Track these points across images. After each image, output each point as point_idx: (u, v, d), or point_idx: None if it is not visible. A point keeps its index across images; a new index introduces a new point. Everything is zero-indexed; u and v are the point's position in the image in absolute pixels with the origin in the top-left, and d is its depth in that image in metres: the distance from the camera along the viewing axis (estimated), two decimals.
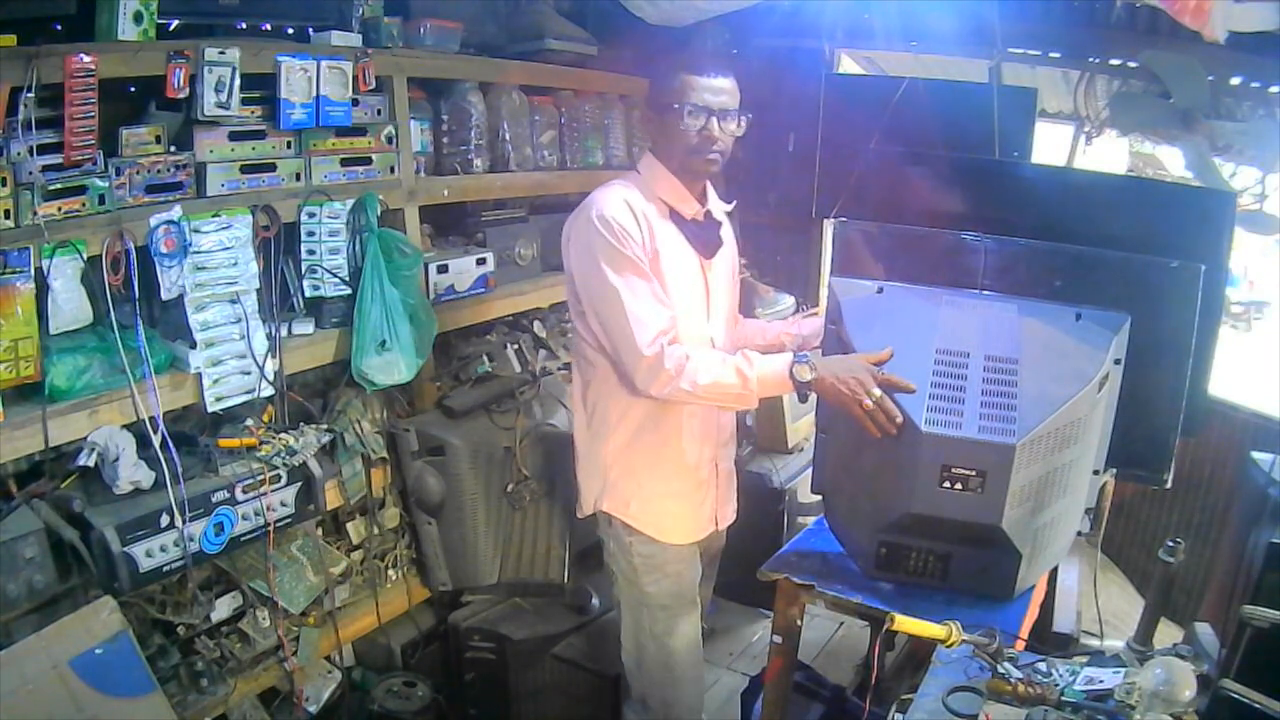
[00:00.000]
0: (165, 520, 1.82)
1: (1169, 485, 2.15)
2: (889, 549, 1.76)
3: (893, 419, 1.63)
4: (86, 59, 1.73)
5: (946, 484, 1.61)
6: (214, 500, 1.91)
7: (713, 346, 1.96)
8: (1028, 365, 1.71)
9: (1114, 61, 2.93)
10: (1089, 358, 1.76)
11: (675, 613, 2.03)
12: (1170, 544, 1.83)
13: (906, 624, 1.47)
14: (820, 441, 1.93)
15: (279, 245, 2.15)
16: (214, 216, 2.00)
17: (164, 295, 1.94)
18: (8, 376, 1.70)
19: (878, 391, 1.64)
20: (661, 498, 1.98)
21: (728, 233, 2.06)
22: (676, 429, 1.95)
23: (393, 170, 2.42)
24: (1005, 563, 1.73)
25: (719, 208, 2.03)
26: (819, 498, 1.99)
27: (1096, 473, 1.83)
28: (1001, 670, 1.40)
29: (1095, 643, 2.30)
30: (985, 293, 1.95)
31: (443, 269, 2.57)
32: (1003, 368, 1.69)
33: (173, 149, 1.98)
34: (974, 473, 1.60)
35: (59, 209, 1.77)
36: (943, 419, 1.61)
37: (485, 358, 2.68)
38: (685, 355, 1.77)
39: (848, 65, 3.79)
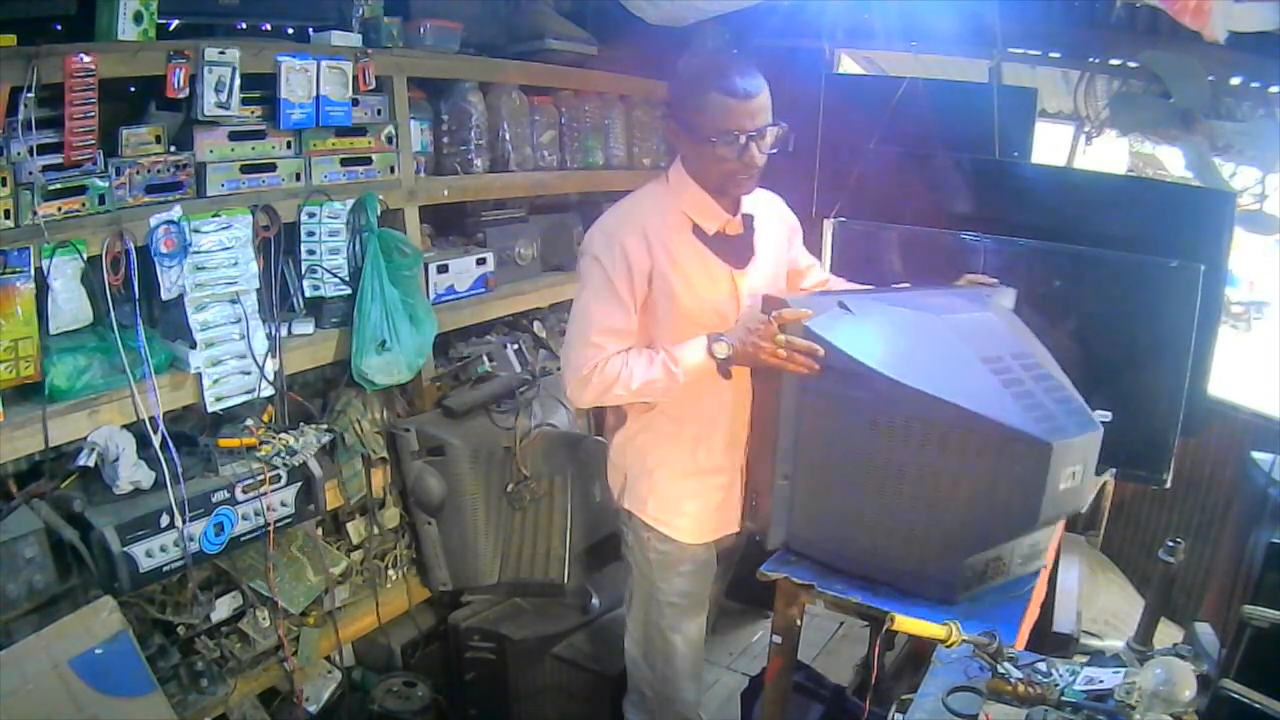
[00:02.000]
0: (165, 520, 1.82)
1: (1169, 485, 2.16)
2: (974, 569, 1.70)
3: (813, 353, 1.66)
4: (86, 59, 1.73)
5: (1062, 485, 1.60)
6: (214, 500, 1.91)
7: None
8: (1036, 354, 1.72)
9: (1114, 61, 2.93)
10: (1027, 330, 1.83)
11: (684, 611, 2.03)
12: (1170, 544, 1.83)
13: (906, 624, 1.47)
14: (781, 490, 1.81)
15: (279, 245, 2.15)
16: (214, 216, 2.00)
17: (164, 295, 1.94)
18: (8, 376, 1.69)
19: (782, 336, 1.67)
20: (677, 498, 1.97)
21: (767, 235, 1.97)
22: (679, 431, 1.94)
23: (393, 170, 2.42)
24: (1049, 534, 1.77)
25: (761, 210, 1.95)
26: None
27: None
28: (1001, 670, 1.40)
29: (1095, 643, 2.30)
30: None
31: (443, 269, 2.57)
32: (1032, 363, 1.69)
33: (173, 149, 1.98)
34: (1080, 467, 1.61)
35: (59, 209, 1.77)
36: (1052, 428, 1.56)
37: (485, 358, 2.68)
38: (620, 365, 1.79)
39: (848, 65, 3.79)
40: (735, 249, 1.91)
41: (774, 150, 1.80)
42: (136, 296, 1.86)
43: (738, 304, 1.92)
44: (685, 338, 1.81)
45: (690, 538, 1.99)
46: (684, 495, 1.97)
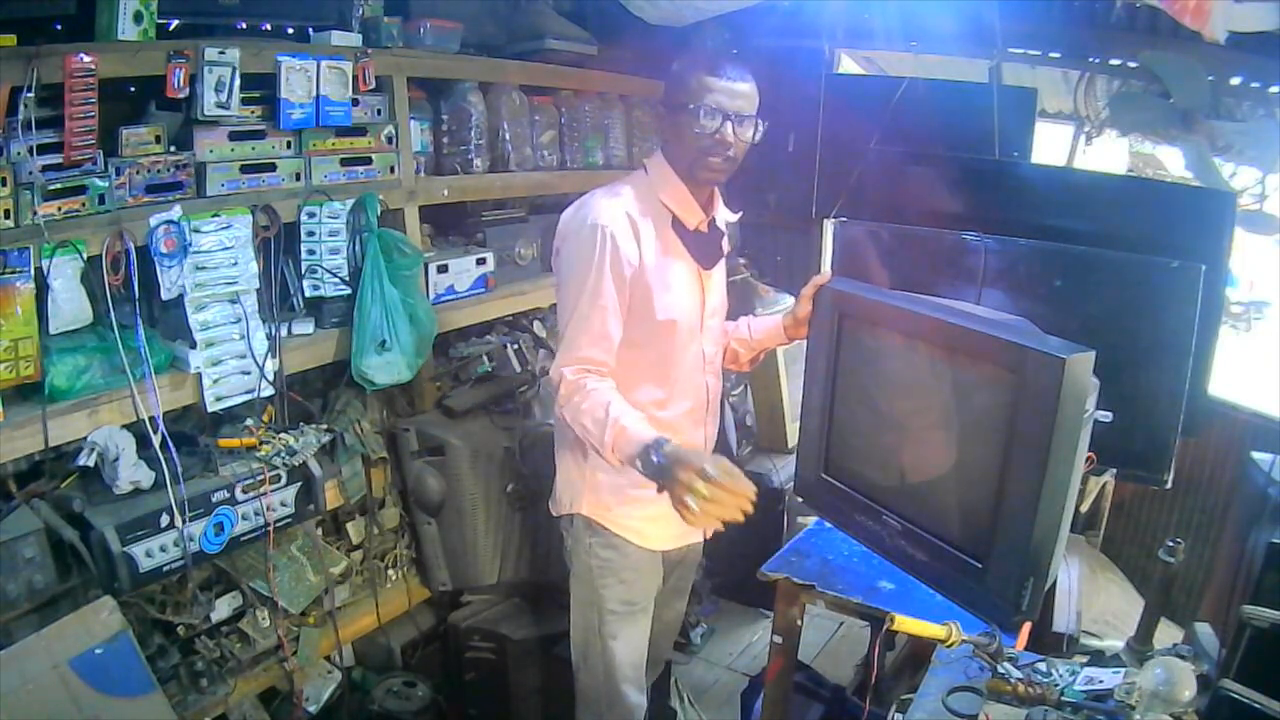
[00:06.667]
0: (165, 520, 1.82)
1: (1169, 485, 2.16)
2: None
3: (745, 493, 1.50)
4: (86, 59, 1.73)
5: None
6: (214, 500, 1.91)
7: (703, 360, 1.93)
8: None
9: (1114, 61, 2.93)
10: None
11: (624, 618, 1.97)
12: (1170, 544, 1.83)
13: (906, 624, 1.47)
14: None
15: (279, 245, 2.15)
16: (214, 216, 2.00)
17: (164, 295, 1.94)
18: (8, 376, 1.69)
19: (703, 487, 1.49)
20: (644, 503, 1.88)
21: (725, 241, 1.99)
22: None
23: (393, 170, 2.42)
24: None
25: (724, 216, 1.96)
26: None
27: None
28: (1001, 670, 1.40)
29: (1095, 643, 2.30)
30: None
31: (443, 269, 2.57)
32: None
33: (173, 149, 1.98)
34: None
35: (59, 209, 1.77)
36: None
37: (485, 358, 2.68)
38: (591, 388, 1.71)
39: (848, 65, 3.79)
40: (706, 248, 1.90)
41: (754, 142, 1.80)
42: (136, 296, 1.86)
43: (703, 306, 1.91)
44: (652, 336, 1.81)
45: (655, 545, 1.95)
46: (652, 501, 1.84)
